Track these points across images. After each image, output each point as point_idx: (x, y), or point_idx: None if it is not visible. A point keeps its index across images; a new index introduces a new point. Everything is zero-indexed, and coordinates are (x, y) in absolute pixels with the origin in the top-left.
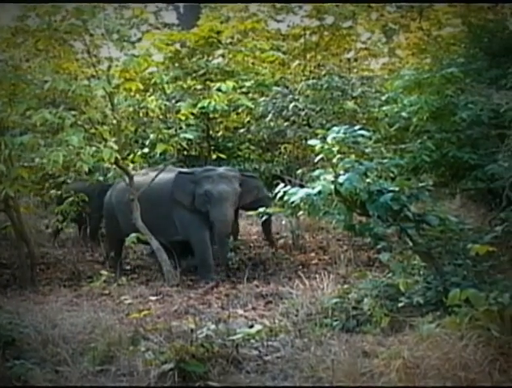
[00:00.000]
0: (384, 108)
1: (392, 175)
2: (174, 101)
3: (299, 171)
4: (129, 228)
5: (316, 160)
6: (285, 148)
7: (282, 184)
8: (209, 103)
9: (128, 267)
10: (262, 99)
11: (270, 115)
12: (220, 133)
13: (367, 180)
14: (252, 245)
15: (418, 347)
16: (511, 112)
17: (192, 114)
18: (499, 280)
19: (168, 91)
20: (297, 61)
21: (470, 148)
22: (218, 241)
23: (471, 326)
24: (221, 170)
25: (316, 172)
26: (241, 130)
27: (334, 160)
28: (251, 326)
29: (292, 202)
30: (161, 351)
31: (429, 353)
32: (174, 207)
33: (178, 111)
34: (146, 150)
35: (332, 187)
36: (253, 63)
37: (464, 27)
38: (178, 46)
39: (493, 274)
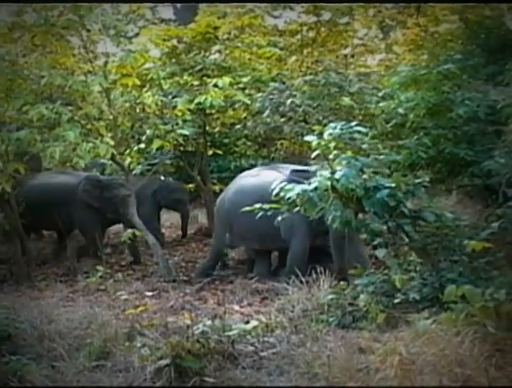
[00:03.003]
0: (381, 104)
1: (388, 171)
2: (170, 97)
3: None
4: (240, 238)
5: (312, 156)
6: (282, 144)
7: (278, 180)
8: (206, 98)
9: (124, 263)
10: (259, 94)
11: (266, 111)
12: (216, 129)
13: (364, 176)
14: None
15: (414, 344)
16: (508, 109)
17: (189, 110)
18: (495, 276)
19: (165, 87)
20: (294, 57)
21: (466, 144)
22: (333, 243)
23: (467, 323)
24: None
25: (313, 168)
26: (238, 126)
27: (331, 156)
28: (247, 322)
29: (289, 198)
30: (157, 347)
31: (425, 349)
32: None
33: (174, 107)
34: (142, 146)
35: (328, 183)
36: (250, 59)
37: (461, 23)
38: (174, 42)
39: (489, 270)
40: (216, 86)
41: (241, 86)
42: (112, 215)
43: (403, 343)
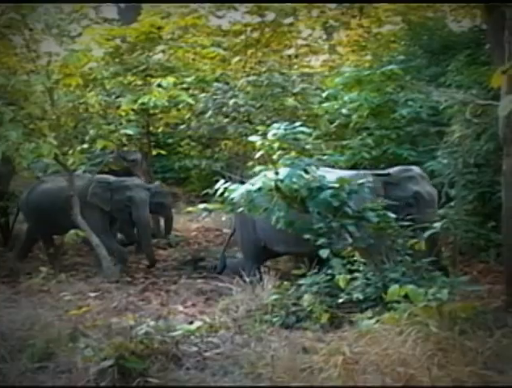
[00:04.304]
0: (325, 105)
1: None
2: (114, 97)
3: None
4: (270, 237)
5: (256, 156)
6: (225, 144)
7: (222, 181)
8: (149, 98)
9: (67, 263)
10: (203, 95)
11: (210, 112)
12: (160, 129)
13: (307, 177)
14: (192, 241)
15: (358, 343)
16: (450, 110)
17: (132, 110)
18: (438, 276)
19: (108, 87)
20: (238, 58)
21: (409, 145)
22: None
23: (410, 322)
24: (419, 169)
25: (257, 168)
26: (182, 126)
27: (275, 156)
28: (191, 323)
29: (232, 198)
30: (100, 348)
31: (368, 349)
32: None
33: (118, 107)
34: (86, 146)
35: (272, 183)
36: (193, 59)
37: (404, 24)
38: (118, 41)
39: (432, 270)
40: (159, 86)
41: (184, 86)
42: (123, 218)
43: (346, 343)
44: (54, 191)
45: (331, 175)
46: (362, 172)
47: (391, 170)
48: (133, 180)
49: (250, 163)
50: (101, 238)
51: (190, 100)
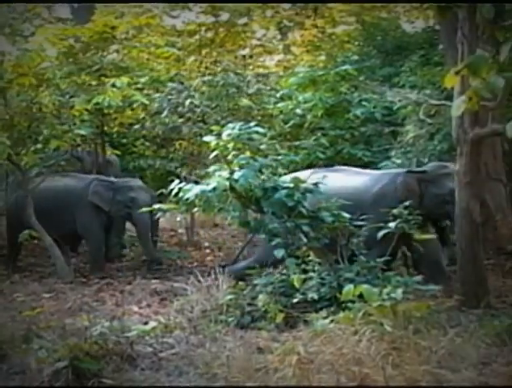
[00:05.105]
0: (279, 105)
1: (286, 171)
2: (67, 96)
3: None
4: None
5: (211, 157)
6: (180, 144)
7: (177, 181)
8: (103, 98)
9: (21, 264)
10: (157, 95)
11: (165, 112)
12: (114, 129)
13: (262, 177)
14: None
15: (312, 343)
16: (404, 110)
17: (86, 110)
18: (392, 275)
19: (62, 87)
20: (192, 58)
21: (364, 145)
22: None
23: (364, 322)
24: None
25: (211, 169)
26: (136, 126)
27: (229, 157)
28: (146, 323)
29: (187, 199)
30: (54, 349)
31: (323, 349)
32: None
33: (72, 107)
34: (39, 146)
35: (227, 183)
36: (148, 59)
37: (358, 25)
38: (72, 41)
39: (386, 270)
40: (113, 85)
41: (139, 86)
42: (123, 219)
43: (301, 343)
44: (52, 190)
45: (361, 176)
46: (396, 171)
47: (427, 168)
48: (136, 181)
49: (205, 163)
50: (89, 238)
51: (145, 100)
